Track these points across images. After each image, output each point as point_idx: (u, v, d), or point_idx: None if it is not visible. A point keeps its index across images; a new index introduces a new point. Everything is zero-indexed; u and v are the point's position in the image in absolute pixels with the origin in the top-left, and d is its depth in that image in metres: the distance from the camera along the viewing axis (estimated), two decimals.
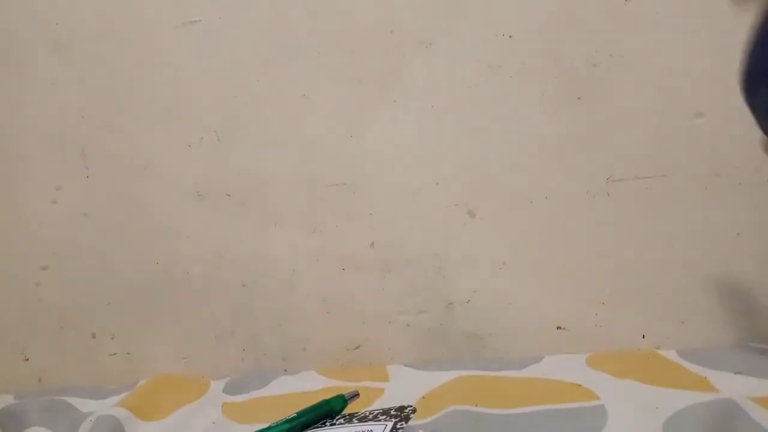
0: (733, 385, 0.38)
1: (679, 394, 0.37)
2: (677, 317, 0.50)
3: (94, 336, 0.57)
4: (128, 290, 0.56)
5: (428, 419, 0.38)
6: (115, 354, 0.57)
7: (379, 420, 0.34)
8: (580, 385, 0.40)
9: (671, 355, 0.46)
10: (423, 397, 0.43)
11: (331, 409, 0.38)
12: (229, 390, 0.49)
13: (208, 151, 0.55)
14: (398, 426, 0.32)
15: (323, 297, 0.55)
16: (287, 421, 0.35)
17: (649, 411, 0.35)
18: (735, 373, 0.39)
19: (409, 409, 0.35)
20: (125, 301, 0.56)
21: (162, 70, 0.55)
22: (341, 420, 0.36)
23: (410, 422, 0.35)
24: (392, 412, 0.35)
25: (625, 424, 0.34)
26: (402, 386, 0.45)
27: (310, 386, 0.47)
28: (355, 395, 0.39)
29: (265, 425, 0.36)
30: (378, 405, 0.41)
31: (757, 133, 0.51)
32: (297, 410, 0.37)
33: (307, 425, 0.36)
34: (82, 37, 0.55)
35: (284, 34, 0.53)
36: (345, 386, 0.45)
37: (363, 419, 0.35)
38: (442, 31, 0.51)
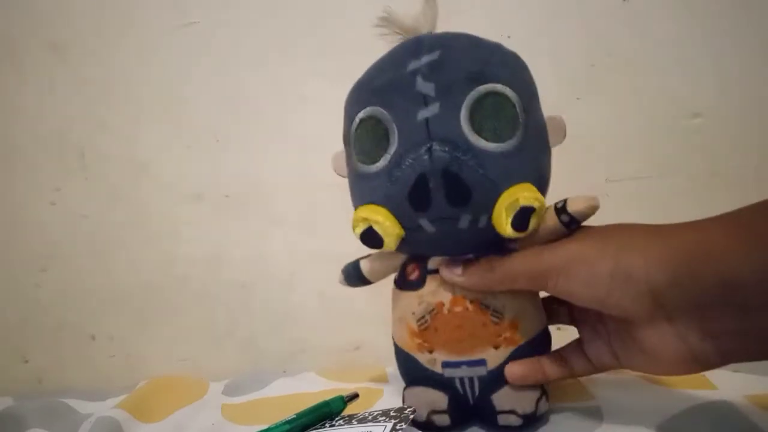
0: (732, 384, 0.38)
1: (677, 393, 0.37)
2: None
3: (93, 338, 0.57)
4: (127, 292, 0.56)
5: None
6: (114, 356, 0.57)
7: (379, 421, 0.34)
8: (578, 385, 0.40)
9: None
10: None
11: (331, 410, 0.38)
12: (228, 391, 0.48)
13: (206, 151, 0.55)
14: (398, 427, 0.32)
15: (322, 298, 0.55)
16: (287, 422, 0.35)
17: (648, 410, 0.35)
18: (734, 372, 0.39)
19: (408, 410, 0.35)
20: (124, 302, 0.56)
21: (161, 70, 0.55)
22: (340, 421, 0.36)
23: (409, 423, 0.35)
24: (392, 414, 0.35)
25: (623, 423, 0.34)
26: (401, 387, 0.45)
27: (310, 387, 0.47)
28: (355, 396, 0.39)
29: (265, 426, 0.36)
30: (377, 406, 0.41)
31: (756, 133, 0.51)
32: (296, 412, 0.36)
33: (307, 427, 0.36)
34: (81, 37, 0.55)
35: (283, 34, 0.53)
36: (344, 387, 0.45)
37: (362, 420, 0.35)
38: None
